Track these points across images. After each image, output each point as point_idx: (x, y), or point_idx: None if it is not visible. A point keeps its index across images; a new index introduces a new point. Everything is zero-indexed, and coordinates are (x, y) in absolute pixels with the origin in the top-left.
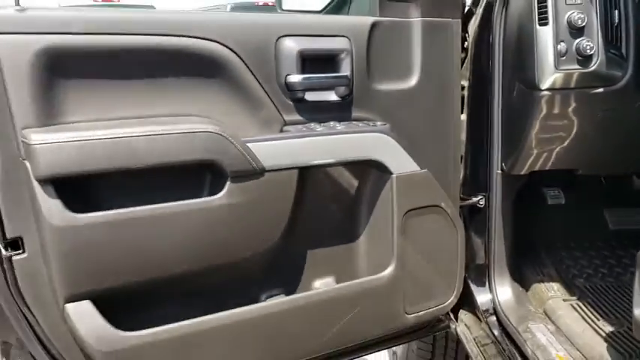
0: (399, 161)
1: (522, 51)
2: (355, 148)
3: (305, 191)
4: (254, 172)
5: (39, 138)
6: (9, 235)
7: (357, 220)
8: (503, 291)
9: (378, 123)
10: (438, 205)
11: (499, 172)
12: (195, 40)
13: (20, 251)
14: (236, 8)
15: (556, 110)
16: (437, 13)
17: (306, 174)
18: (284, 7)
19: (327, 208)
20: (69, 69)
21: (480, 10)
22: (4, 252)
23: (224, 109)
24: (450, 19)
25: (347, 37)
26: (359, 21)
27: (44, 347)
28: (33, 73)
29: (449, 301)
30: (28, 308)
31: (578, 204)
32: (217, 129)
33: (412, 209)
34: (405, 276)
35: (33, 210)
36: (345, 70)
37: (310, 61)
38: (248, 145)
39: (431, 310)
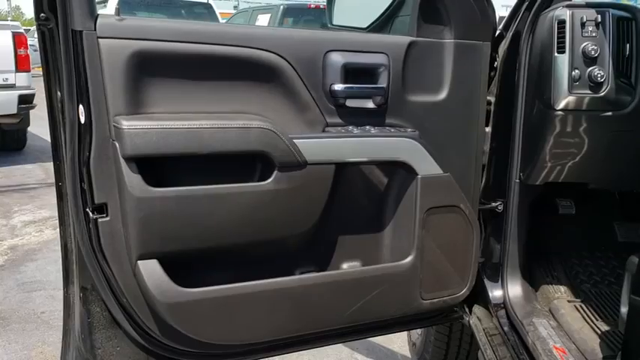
0: (425, 164)
1: (542, 74)
2: (386, 150)
3: (340, 184)
4: (298, 165)
5: (128, 124)
6: (97, 201)
7: (383, 213)
8: (513, 288)
9: (409, 130)
10: (457, 205)
11: (517, 181)
12: (257, 51)
13: (104, 215)
14: (289, 10)
15: (568, 129)
16: (469, 36)
17: (342, 169)
18: (334, 23)
19: (358, 201)
20: (154, 69)
21: (509, 34)
22: (91, 215)
23: (276, 109)
24: (480, 42)
25: (386, 54)
26: (398, 40)
27: (114, 296)
28: (126, 71)
29: (462, 292)
30: (107, 262)
31: (590, 215)
32: (269, 126)
33: (433, 207)
34: (422, 265)
35: (118, 182)
36: (383, 82)
37: (352, 73)
38: (294, 141)
39: (444, 298)
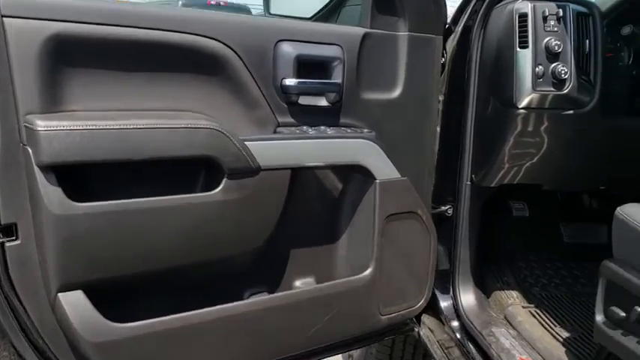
0: (383, 168)
1: (501, 70)
2: (344, 153)
3: (294, 192)
4: (250, 171)
5: (44, 124)
6: (3, 221)
7: (340, 222)
8: (466, 296)
9: (365, 130)
10: (415, 211)
11: (468, 183)
12: (197, 37)
13: (13, 238)
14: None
15: (530, 128)
16: (422, 29)
17: (297, 175)
18: (272, 11)
19: (314, 210)
20: (75, 58)
21: (458, 29)
22: None
23: (220, 106)
24: (434, 35)
25: (340, 46)
26: (351, 31)
27: (27, 337)
28: (40, 59)
29: (419, 304)
30: (17, 296)
31: (539, 217)
32: (218, 126)
33: (392, 214)
34: (381, 278)
35: (31, 197)
36: (337, 77)
37: (305, 66)
38: (246, 143)
39: (403, 312)
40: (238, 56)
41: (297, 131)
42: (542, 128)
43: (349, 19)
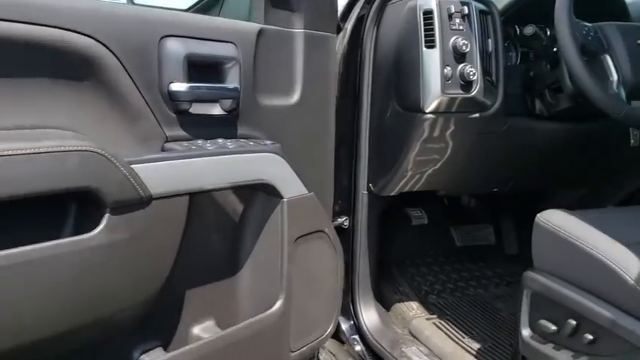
0: (290, 184)
1: (403, 72)
2: (249, 170)
3: (191, 221)
4: (140, 201)
5: None
6: None
7: (241, 251)
8: (368, 314)
9: (267, 142)
10: (322, 230)
11: (365, 192)
12: (63, 32)
13: None
14: None
15: (436, 133)
16: (318, 26)
17: (193, 200)
18: (136, 2)
19: (211, 240)
20: None
21: (348, 26)
22: None
23: (95, 121)
24: (329, 33)
25: (234, 44)
26: (246, 27)
27: None
28: None
29: (328, 330)
30: None
31: (431, 222)
32: (95, 146)
33: (301, 236)
34: (291, 312)
35: None
36: (233, 80)
37: (196, 68)
38: (132, 166)
39: (312, 343)
40: (115, 56)
41: (193, 147)
42: (449, 133)
43: (236, 11)
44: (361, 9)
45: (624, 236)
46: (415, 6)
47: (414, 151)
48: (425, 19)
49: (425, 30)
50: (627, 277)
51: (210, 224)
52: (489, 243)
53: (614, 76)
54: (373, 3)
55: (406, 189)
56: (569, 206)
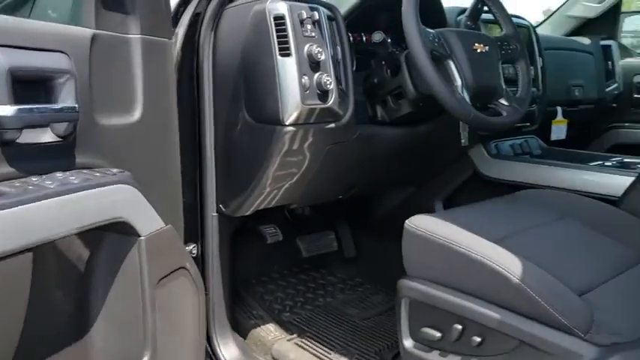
0: (147, 218)
1: (257, 83)
2: (100, 208)
3: (35, 281)
4: None
5: None
6: None
7: (91, 305)
8: (227, 348)
9: (114, 170)
10: (184, 266)
11: (215, 214)
12: None
13: None
14: None
15: (295, 146)
16: (155, 31)
17: (36, 254)
18: None
19: (54, 299)
20: None
21: (180, 31)
22: None
23: None
24: (167, 39)
25: (66, 54)
26: (77, 33)
27: None
28: None
29: None
30: None
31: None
32: None
33: (164, 277)
34: None
35: None
36: (67, 98)
37: (20, 85)
38: None
39: None
40: None
41: (30, 187)
42: (307, 145)
43: (51, 13)
44: (194, 14)
45: (495, 233)
46: (264, 11)
47: (273, 165)
48: (276, 24)
49: (278, 37)
50: (511, 275)
51: (52, 280)
52: (333, 249)
53: (459, 81)
54: (207, 6)
55: (262, 206)
56: (399, 205)
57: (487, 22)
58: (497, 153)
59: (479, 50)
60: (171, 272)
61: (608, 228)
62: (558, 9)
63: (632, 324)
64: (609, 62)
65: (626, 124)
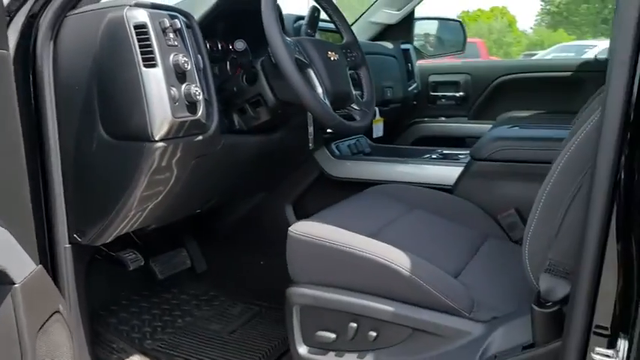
0: (19, 261)
1: (115, 96)
2: None
3: None
4: None
5: None
6: None
7: None
8: None
9: None
10: (58, 310)
11: (68, 246)
12: None
13: None
14: None
15: (164, 163)
16: None
17: None
18: None
19: None
20: None
21: (12, 37)
22: None
23: None
24: (5, 51)
25: None
26: None
27: None
28: None
29: None
30: None
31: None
32: None
33: (42, 325)
34: None
35: None
36: None
37: None
38: None
39: None
40: None
41: None
42: (175, 160)
43: None
44: (25, 23)
45: (368, 229)
46: (121, 18)
47: (141, 186)
48: (137, 33)
49: (140, 47)
50: (400, 268)
51: None
52: (187, 267)
53: (319, 89)
54: (42, 14)
55: (124, 231)
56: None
57: (323, 30)
58: (340, 154)
59: (332, 58)
60: (48, 319)
61: (451, 214)
62: (361, 16)
63: (502, 299)
64: (409, 64)
65: (425, 119)
